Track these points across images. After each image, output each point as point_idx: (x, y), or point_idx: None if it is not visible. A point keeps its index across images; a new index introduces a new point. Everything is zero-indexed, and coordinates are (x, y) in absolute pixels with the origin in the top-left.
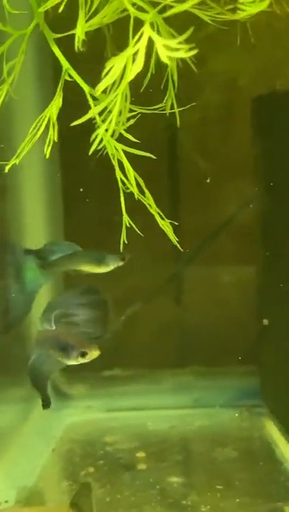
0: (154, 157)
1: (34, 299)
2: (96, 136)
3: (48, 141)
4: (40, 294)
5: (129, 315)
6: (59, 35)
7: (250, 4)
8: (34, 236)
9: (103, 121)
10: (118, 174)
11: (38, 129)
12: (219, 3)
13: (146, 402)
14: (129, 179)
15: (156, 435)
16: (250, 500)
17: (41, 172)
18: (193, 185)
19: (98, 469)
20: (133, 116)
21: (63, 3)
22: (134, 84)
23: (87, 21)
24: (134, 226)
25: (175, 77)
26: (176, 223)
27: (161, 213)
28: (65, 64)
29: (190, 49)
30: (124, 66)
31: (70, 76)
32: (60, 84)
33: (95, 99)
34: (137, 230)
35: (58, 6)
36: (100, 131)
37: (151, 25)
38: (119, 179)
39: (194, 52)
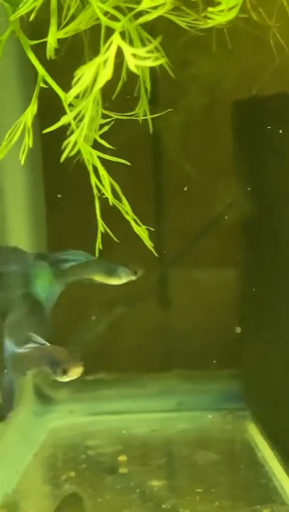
0: (129, 163)
1: (50, 308)
2: (69, 143)
3: (23, 147)
4: None
5: (113, 318)
6: (34, 42)
7: (219, 13)
8: (16, 240)
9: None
10: (93, 180)
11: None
12: (197, 9)
13: (130, 405)
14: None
15: (139, 439)
16: (229, 503)
17: (23, 176)
18: (176, 189)
19: (80, 474)
20: (108, 123)
21: (35, 11)
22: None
23: (64, 27)
24: (109, 232)
25: (148, 85)
26: (153, 229)
27: (137, 219)
28: (41, 70)
29: (158, 58)
30: (95, 73)
31: (45, 83)
32: (35, 91)
33: (71, 105)
34: (112, 236)
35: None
36: (72, 138)
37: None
38: (94, 185)
39: (162, 61)
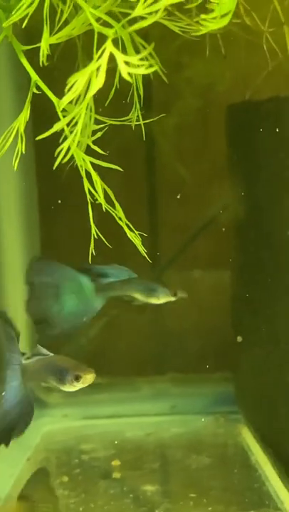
0: (122, 169)
1: (88, 320)
2: (62, 148)
3: (15, 153)
4: None
5: (105, 322)
6: (27, 47)
7: (212, 20)
8: (9, 244)
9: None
10: (86, 185)
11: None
12: (190, 15)
13: (124, 409)
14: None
15: (132, 443)
16: (222, 508)
17: (17, 181)
18: (170, 193)
19: (73, 478)
20: (101, 129)
21: (27, 18)
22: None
23: (57, 32)
24: (102, 237)
25: (141, 91)
26: (146, 235)
27: (131, 225)
28: (33, 76)
29: (151, 65)
30: (88, 80)
31: (38, 88)
32: (28, 97)
33: (65, 111)
34: (105, 241)
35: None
36: (65, 145)
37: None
38: (87, 190)
39: (154, 68)
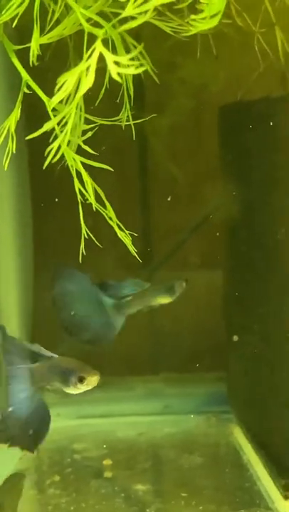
0: (112, 169)
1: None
2: (52, 148)
3: (6, 152)
4: None
5: None
6: (18, 47)
7: (201, 21)
8: (1, 247)
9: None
10: (76, 185)
11: None
12: (182, 15)
13: (117, 409)
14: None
15: (125, 442)
16: (214, 507)
17: (10, 181)
18: (163, 194)
19: (64, 478)
20: (92, 128)
21: (17, 18)
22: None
23: (49, 32)
24: (92, 237)
25: (131, 92)
26: (136, 234)
27: (121, 225)
28: (24, 75)
29: (140, 65)
30: (77, 80)
31: (28, 88)
32: (19, 97)
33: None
34: (96, 242)
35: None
36: (55, 145)
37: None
38: (77, 190)
39: (144, 68)
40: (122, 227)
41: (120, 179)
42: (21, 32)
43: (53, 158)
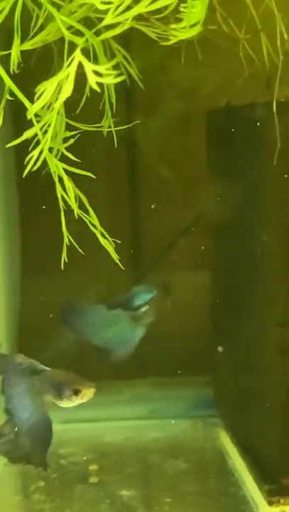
0: (94, 177)
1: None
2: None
3: None
4: None
5: None
6: (2, 53)
7: (182, 30)
8: None
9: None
10: (59, 192)
11: None
12: (167, 21)
13: (103, 413)
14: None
15: (111, 447)
16: None
17: None
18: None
19: (49, 483)
20: (73, 135)
21: None
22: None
23: (33, 37)
24: (74, 243)
25: (113, 99)
26: (119, 241)
27: (105, 232)
28: (8, 82)
29: (118, 75)
30: (58, 88)
31: (11, 95)
32: (2, 103)
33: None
34: (78, 248)
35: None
36: (35, 152)
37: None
38: (60, 196)
39: (122, 78)
40: (106, 234)
41: (109, 182)
42: (9, 36)
43: (34, 165)
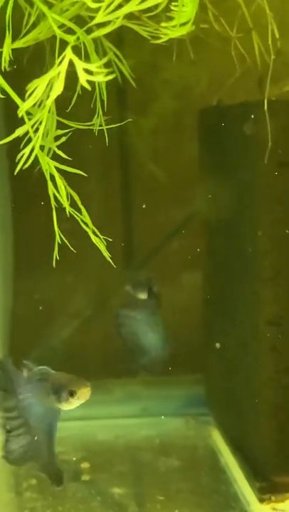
0: (86, 175)
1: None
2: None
3: None
4: None
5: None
6: None
7: (172, 28)
8: None
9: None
10: (51, 190)
11: None
12: (158, 19)
13: (95, 411)
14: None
15: (103, 445)
16: (188, 510)
17: None
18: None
19: (41, 481)
20: (65, 133)
21: None
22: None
23: (25, 35)
24: (66, 242)
25: (104, 97)
26: (111, 239)
27: (97, 231)
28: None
29: (109, 73)
30: (49, 86)
31: (2, 93)
32: None
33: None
34: (70, 247)
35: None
36: (26, 150)
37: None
38: (51, 195)
39: (113, 76)
40: (98, 233)
41: (101, 180)
42: (1, 34)
43: (25, 163)
